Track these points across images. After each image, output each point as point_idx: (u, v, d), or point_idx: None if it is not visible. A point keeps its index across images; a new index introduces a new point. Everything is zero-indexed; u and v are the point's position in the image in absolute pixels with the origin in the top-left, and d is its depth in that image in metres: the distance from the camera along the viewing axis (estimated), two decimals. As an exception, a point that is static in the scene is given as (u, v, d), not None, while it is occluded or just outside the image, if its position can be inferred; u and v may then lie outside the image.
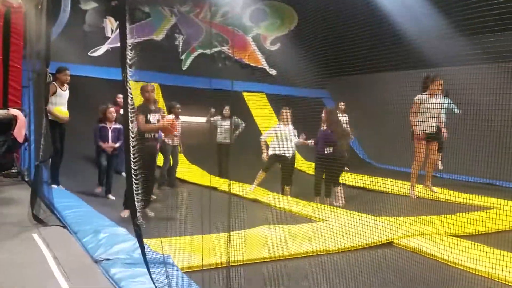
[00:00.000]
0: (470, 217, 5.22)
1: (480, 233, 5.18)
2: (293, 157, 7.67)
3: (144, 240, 3.24)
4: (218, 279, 3.44)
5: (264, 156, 7.56)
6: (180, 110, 8.10)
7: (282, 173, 7.55)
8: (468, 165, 4.54)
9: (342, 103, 10.96)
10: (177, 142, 8.04)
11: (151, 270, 3.26)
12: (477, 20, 4.24)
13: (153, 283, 3.19)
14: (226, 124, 9.19)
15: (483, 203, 6.50)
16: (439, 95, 6.54)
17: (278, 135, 7.47)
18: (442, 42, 6.56)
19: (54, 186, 6.48)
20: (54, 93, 6.99)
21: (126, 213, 5.82)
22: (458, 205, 5.82)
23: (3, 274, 3.78)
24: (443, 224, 5.16)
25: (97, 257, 4.08)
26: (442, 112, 6.90)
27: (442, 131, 6.94)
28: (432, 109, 6.36)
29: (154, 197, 6.76)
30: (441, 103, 6.57)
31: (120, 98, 7.79)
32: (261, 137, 7.77)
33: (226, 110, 9.27)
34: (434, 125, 6.52)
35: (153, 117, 5.98)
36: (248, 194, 7.32)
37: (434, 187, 7.22)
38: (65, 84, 7.28)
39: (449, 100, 7.09)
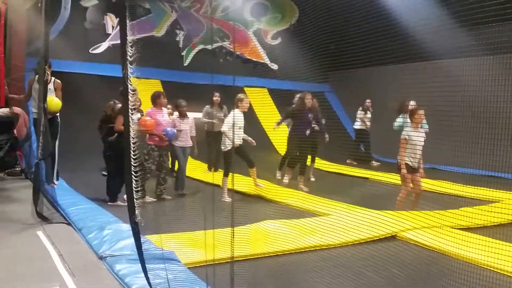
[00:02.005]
0: (474, 210, 5.22)
1: (484, 225, 5.18)
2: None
3: (146, 236, 3.23)
4: (223, 274, 3.45)
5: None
6: (185, 108, 7.41)
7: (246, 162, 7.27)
8: (470, 157, 4.52)
9: (369, 100, 11.01)
10: (187, 145, 7.39)
11: (151, 266, 3.26)
12: (478, 11, 4.22)
13: (147, 281, 3.18)
14: (220, 114, 8.95)
15: (487, 197, 6.50)
16: (420, 126, 6.50)
17: (237, 123, 7.00)
18: (445, 33, 6.52)
19: (53, 185, 6.46)
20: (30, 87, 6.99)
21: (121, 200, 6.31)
22: (461, 198, 5.81)
23: (8, 270, 3.81)
24: (446, 217, 5.15)
25: (102, 253, 4.10)
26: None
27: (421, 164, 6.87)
28: (417, 143, 6.38)
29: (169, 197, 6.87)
30: (423, 136, 6.50)
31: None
32: (223, 129, 7.12)
33: (217, 97, 8.99)
34: (418, 158, 6.51)
35: (135, 116, 6.09)
36: (251, 190, 7.32)
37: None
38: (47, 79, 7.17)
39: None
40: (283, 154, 8.98)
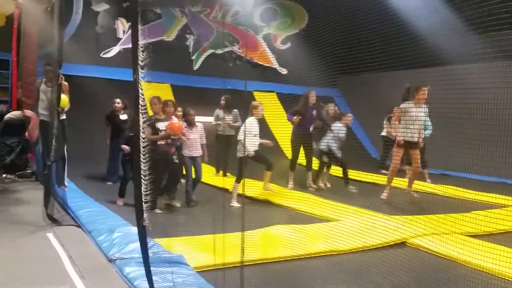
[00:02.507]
0: (482, 217, 5.17)
1: (494, 232, 5.12)
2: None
3: (155, 239, 3.22)
4: (232, 278, 3.45)
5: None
6: (194, 117, 7.00)
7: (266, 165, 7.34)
8: (482, 163, 4.48)
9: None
10: (196, 153, 7.00)
11: (159, 269, 3.26)
12: (491, 18, 4.19)
13: (150, 285, 3.18)
14: (228, 117, 8.87)
15: (497, 202, 6.43)
16: (423, 104, 6.56)
17: (252, 130, 6.93)
18: (456, 39, 6.50)
19: (63, 187, 6.50)
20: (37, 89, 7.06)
21: (121, 202, 6.56)
22: (471, 203, 5.76)
23: (18, 272, 3.84)
24: (456, 224, 5.10)
25: (112, 256, 4.11)
26: (423, 120, 6.89)
27: (420, 140, 6.88)
28: (416, 118, 6.43)
29: (178, 205, 6.78)
30: (425, 112, 6.59)
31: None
32: (239, 137, 7.03)
33: (223, 100, 8.92)
34: (416, 133, 6.59)
35: (162, 125, 6.33)
36: (260, 195, 7.31)
37: (416, 193, 7.11)
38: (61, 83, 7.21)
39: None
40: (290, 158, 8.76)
